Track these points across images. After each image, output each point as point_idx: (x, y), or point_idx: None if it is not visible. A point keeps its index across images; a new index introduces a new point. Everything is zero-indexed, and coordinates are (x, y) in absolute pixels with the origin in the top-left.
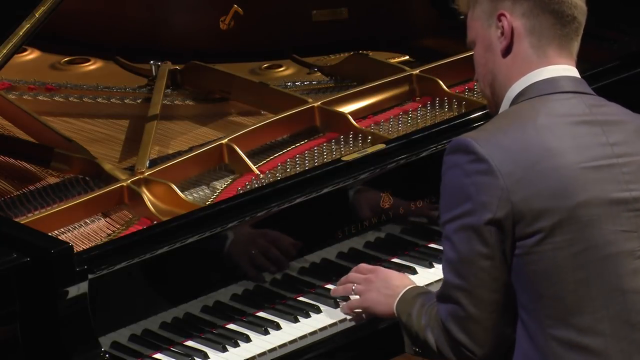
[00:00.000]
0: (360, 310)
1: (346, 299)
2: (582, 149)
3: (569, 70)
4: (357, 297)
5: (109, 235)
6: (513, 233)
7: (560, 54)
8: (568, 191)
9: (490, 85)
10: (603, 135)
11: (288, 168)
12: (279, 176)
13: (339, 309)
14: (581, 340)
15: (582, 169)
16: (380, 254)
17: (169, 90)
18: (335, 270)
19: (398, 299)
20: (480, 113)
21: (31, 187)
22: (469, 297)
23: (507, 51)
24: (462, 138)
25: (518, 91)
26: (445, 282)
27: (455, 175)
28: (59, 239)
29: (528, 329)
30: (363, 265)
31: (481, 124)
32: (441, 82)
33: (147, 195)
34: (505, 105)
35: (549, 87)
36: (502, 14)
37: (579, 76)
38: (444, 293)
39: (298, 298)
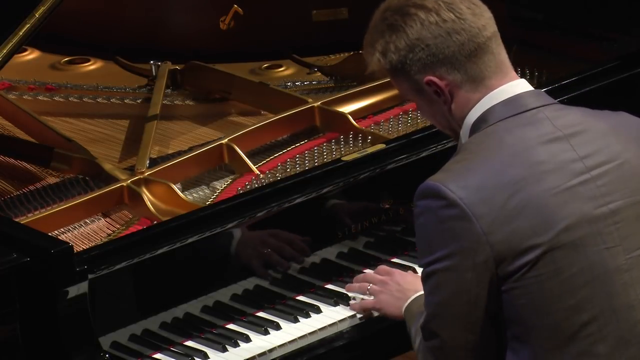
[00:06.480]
0: (371, 310)
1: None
2: (553, 172)
3: (519, 85)
4: (371, 297)
5: (109, 235)
6: (496, 273)
7: (497, 74)
8: (546, 223)
9: (448, 128)
10: (572, 150)
11: (288, 168)
12: (279, 176)
13: (338, 307)
14: None
15: (555, 194)
16: (380, 254)
17: (169, 90)
18: (335, 270)
19: (407, 303)
20: None
21: (31, 187)
22: (447, 338)
23: (449, 104)
24: (430, 183)
25: (476, 117)
26: (425, 319)
27: (429, 221)
28: (59, 239)
29: (523, 358)
30: (382, 267)
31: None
32: None
33: (147, 195)
34: (465, 132)
35: (509, 110)
36: (430, 81)
37: (531, 87)
38: (424, 328)
39: (298, 298)
